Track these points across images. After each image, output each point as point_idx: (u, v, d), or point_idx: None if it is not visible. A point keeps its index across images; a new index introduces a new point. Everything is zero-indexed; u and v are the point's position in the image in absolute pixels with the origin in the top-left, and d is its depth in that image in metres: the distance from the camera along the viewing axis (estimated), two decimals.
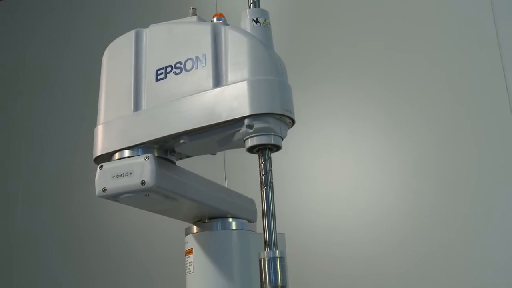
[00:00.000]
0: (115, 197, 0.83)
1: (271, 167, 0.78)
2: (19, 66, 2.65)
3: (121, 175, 0.81)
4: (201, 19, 0.89)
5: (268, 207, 0.76)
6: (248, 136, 0.78)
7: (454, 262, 1.65)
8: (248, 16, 0.83)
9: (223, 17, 0.86)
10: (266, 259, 0.74)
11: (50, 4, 2.66)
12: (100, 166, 0.84)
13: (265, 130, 0.77)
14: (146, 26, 0.91)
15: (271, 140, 0.77)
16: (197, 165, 0.99)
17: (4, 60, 2.70)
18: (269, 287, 0.73)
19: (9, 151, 2.52)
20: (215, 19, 0.86)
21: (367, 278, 1.74)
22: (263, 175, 0.77)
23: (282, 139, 0.80)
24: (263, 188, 0.77)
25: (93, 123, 0.89)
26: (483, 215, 1.66)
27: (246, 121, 0.76)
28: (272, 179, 0.78)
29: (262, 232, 0.76)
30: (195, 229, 0.96)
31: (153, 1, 2.40)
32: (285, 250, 1.00)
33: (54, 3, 2.65)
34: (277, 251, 0.75)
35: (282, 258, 0.75)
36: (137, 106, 0.86)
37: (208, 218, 0.95)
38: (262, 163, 0.78)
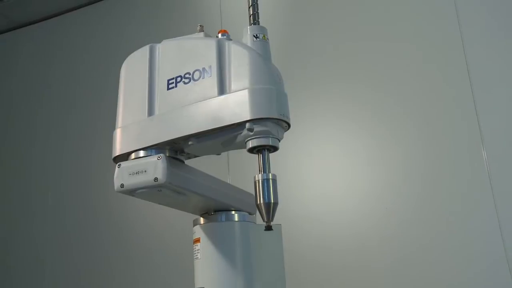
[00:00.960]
0: (131, 192, 0.86)
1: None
2: (46, 79, 2.65)
3: (136, 172, 0.83)
4: (207, 35, 0.91)
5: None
6: (249, 138, 0.80)
7: (433, 254, 1.67)
8: (249, 32, 0.86)
9: (227, 33, 0.88)
10: (260, 180, 0.77)
11: (75, 22, 2.66)
12: (118, 165, 0.86)
13: (264, 133, 0.79)
14: (159, 42, 0.92)
15: (269, 142, 0.80)
16: (203, 164, 1.00)
17: (31, 71, 2.71)
18: (263, 203, 0.76)
19: (35, 155, 2.53)
20: (220, 35, 0.88)
21: (355, 268, 1.74)
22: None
23: (279, 141, 0.81)
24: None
25: (112, 127, 0.89)
26: (460, 214, 1.67)
27: (247, 125, 0.79)
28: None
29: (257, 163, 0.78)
30: (202, 220, 0.98)
31: (165, 19, 2.42)
32: (282, 239, 1.00)
33: (78, 22, 2.66)
34: (270, 173, 0.78)
35: (274, 180, 0.78)
36: (150, 112, 0.88)
37: (214, 211, 0.98)
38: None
